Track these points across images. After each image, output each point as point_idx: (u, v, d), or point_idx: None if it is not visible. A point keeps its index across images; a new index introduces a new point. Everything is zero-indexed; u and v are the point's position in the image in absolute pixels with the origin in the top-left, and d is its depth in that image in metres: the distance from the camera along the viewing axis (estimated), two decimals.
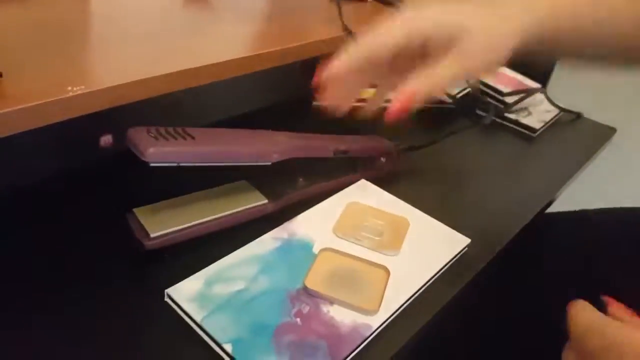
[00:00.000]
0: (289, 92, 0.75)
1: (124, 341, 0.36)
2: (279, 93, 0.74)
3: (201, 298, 0.38)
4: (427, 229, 0.48)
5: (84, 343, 0.36)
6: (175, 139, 0.41)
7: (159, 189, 0.52)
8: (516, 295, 0.61)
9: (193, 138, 0.41)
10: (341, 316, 0.38)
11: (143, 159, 0.38)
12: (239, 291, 0.39)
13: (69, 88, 0.39)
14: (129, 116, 0.57)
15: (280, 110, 0.72)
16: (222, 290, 0.39)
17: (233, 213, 0.46)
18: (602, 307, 0.40)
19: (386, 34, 0.40)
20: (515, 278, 0.61)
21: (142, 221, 0.43)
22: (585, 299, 0.53)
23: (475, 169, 0.63)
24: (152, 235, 0.42)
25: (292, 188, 0.51)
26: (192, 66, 0.47)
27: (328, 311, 0.38)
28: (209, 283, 0.39)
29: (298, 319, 0.37)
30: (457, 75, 0.41)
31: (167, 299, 0.38)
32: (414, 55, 0.41)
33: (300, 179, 0.52)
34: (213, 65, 0.49)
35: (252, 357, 0.34)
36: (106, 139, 0.57)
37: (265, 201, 0.48)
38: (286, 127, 0.67)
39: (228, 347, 0.34)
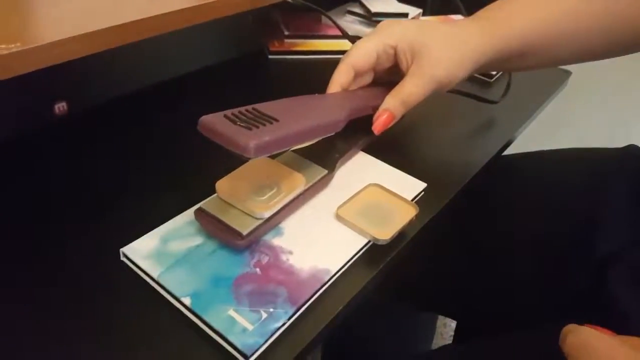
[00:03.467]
0: (244, 46, 0.73)
1: (79, 304, 0.36)
2: (234, 47, 0.72)
3: (157, 255, 0.37)
4: (388, 177, 0.48)
5: (42, 311, 0.35)
6: (262, 124, 0.36)
7: (116, 152, 0.51)
8: (479, 234, 0.62)
9: (277, 120, 0.37)
10: (300, 264, 0.38)
11: (244, 154, 0.34)
12: (197, 246, 0.39)
13: (3, 46, 0.37)
14: (81, 79, 0.55)
15: (237, 65, 0.70)
16: (179, 246, 0.38)
17: (305, 190, 0.43)
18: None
19: (363, 45, 0.48)
20: (477, 217, 0.62)
21: (220, 216, 0.39)
22: (546, 233, 0.55)
23: (430, 117, 0.63)
24: (244, 233, 0.38)
25: (338, 152, 0.48)
26: (136, 18, 0.45)
27: (287, 259, 0.39)
28: (164, 240, 0.39)
29: (257, 269, 0.38)
30: (420, 91, 0.47)
31: (123, 258, 0.38)
32: (392, 66, 0.49)
33: (339, 141, 0.49)
34: (158, 17, 0.47)
35: (211, 307, 0.34)
36: (61, 106, 0.55)
37: (326, 172, 0.45)
38: (244, 83, 0.66)
39: (186, 301, 0.34)
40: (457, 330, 0.75)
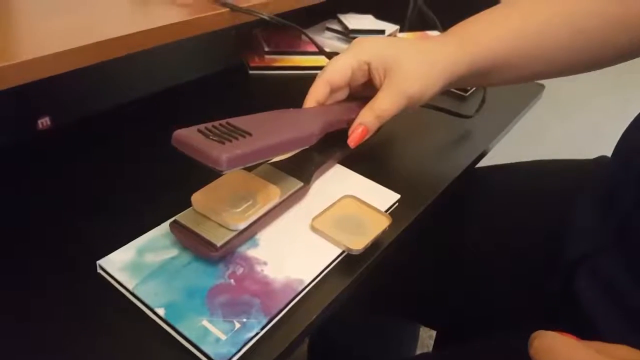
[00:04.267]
0: (224, 62, 0.74)
1: (55, 316, 0.36)
2: (215, 62, 0.73)
3: (133, 267, 0.38)
4: (363, 189, 0.50)
5: (19, 322, 0.36)
6: (234, 137, 0.37)
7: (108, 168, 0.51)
8: (453, 243, 0.64)
9: (250, 134, 0.38)
10: (274, 274, 0.39)
11: (216, 167, 0.34)
12: (172, 258, 0.39)
13: None
14: (63, 95, 0.56)
15: (218, 80, 0.71)
16: (155, 258, 0.39)
17: (281, 202, 0.44)
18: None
19: (338, 61, 0.49)
20: (450, 226, 0.64)
21: (194, 228, 0.39)
22: (518, 239, 0.57)
23: (406, 131, 0.64)
24: (218, 245, 0.39)
25: (314, 165, 0.49)
26: (120, 34, 0.46)
27: (262, 270, 0.39)
28: (140, 252, 0.39)
29: (232, 280, 0.38)
30: (392, 106, 0.48)
31: (99, 271, 0.39)
32: (366, 82, 0.50)
33: (315, 154, 0.50)
34: (142, 33, 0.48)
35: (184, 318, 0.35)
36: (44, 121, 0.55)
37: (302, 184, 0.46)
38: (225, 98, 0.67)
39: (160, 311, 0.35)
40: (437, 338, 0.76)
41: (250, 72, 0.74)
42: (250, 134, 0.38)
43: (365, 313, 0.75)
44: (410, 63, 0.48)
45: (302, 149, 0.45)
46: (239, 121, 0.40)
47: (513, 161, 0.70)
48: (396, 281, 0.66)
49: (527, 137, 0.89)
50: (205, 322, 0.35)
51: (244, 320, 0.35)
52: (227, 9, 0.55)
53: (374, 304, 0.71)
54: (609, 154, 0.55)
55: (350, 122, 0.50)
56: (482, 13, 0.52)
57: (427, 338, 1.17)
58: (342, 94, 0.53)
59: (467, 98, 0.74)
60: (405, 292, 0.68)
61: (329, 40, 0.80)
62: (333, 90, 0.50)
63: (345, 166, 0.53)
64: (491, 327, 0.60)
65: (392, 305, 0.72)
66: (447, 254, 0.63)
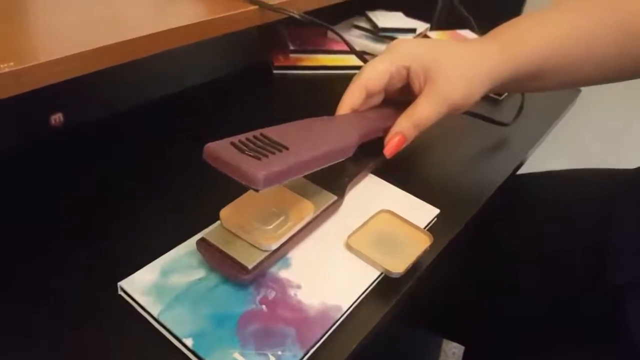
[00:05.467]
0: (247, 60, 0.71)
1: (74, 338, 0.33)
2: (238, 61, 0.70)
3: (157, 290, 0.35)
4: (400, 202, 0.46)
5: (35, 346, 0.33)
6: (271, 152, 0.34)
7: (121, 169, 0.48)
8: (492, 258, 0.60)
9: (287, 148, 0.35)
10: (309, 299, 0.36)
11: (253, 186, 0.32)
12: (199, 280, 0.36)
13: None
14: (80, 91, 0.53)
15: (241, 79, 0.68)
16: (180, 280, 0.36)
17: (314, 218, 0.41)
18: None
19: (376, 65, 0.46)
20: (490, 240, 0.60)
21: (223, 247, 0.37)
22: (557, 256, 0.54)
23: (440, 138, 0.61)
24: (249, 267, 0.36)
25: (347, 176, 0.46)
26: (141, 35, 0.43)
27: (295, 294, 0.36)
28: (164, 273, 0.36)
29: (264, 306, 0.35)
30: (433, 114, 0.45)
31: (120, 292, 0.36)
32: (404, 86, 0.47)
33: (348, 164, 0.46)
34: (164, 32, 0.44)
35: (215, 350, 0.32)
36: (57, 118, 0.53)
37: (335, 197, 0.43)
38: (248, 98, 0.64)
39: (188, 342, 0.32)
40: (465, 355, 0.73)
41: (275, 71, 0.70)
42: (286, 148, 0.35)
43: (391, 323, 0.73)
44: (453, 68, 0.45)
45: (339, 161, 0.41)
46: (273, 132, 0.37)
47: (544, 165, 0.66)
48: (427, 294, 0.63)
49: (558, 141, 0.86)
50: (237, 355, 0.32)
51: (279, 353, 0.32)
52: (255, 7, 0.51)
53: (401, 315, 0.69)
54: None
55: (386, 131, 0.47)
56: (524, 16, 0.49)
57: (451, 356, 1.14)
58: (378, 99, 0.49)
59: (501, 102, 0.70)
60: (432, 304, 0.65)
61: (356, 39, 0.76)
62: (369, 96, 0.47)
63: (379, 176, 0.50)
64: (522, 345, 0.57)
65: (418, 317, 0.69)
66: (484, 267, 0.60)
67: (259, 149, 0.34)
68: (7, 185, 0.45)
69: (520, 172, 0.61)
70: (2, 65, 0.35)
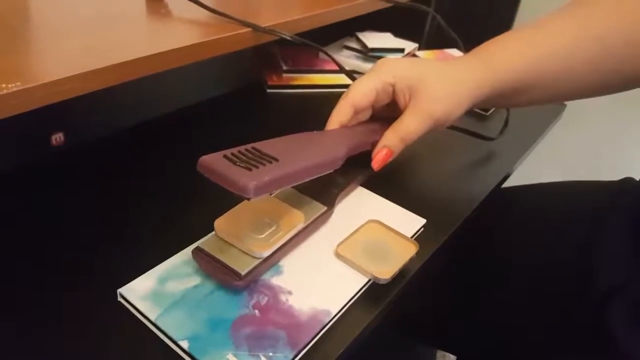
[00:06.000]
0: (241, 80, 0.74)
1: (75, 344, 0.35)
2: (232, 81, 0.73)
3: (155, 296, 0.37)
4: (387, 213, 0.48)
5: (36, 353, 0.34)
6: (261, 163, 0.36)
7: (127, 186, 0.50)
8: (476, 267, 0.62)
9: (277, 159, 0.37)
10: (300, 304, 0.38)
11: (244, 195, 0.34)
12: (195, 287, 0.38)
13: (3, 85, 0.37)
14: (80, 111, 0.55)
15: (235, 98, 0.71)
16: (177, 286, 0.38)
17: (305, 227, 0.42)
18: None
19: (362, 83, 0.48)
20: (474, 249, 0.62)
21: (217, 255, 0.38)
22: (544, 266, 0.55)
23: (428, 152, 0.63)
24: (242, 273, 0.37)
25: (337, 188, 0.48)
26: (139, 56, 0.45)
27: (287, 300, 0.38)
28: (162, 280, 0.38)
29: (256, 311, 0.37)
30: (418, 128, 0.47)
31: (120, 299, 0.37)
32: (390, 102, 0.49)
33: (338, 176, 0.48)
34: (161, 54, 0.47)
35: (209, 352, 0.33)
36: (57, 137, 0.55)
37: (325, 208, 0.45)
38: (243, 117, 0.67)
39: (184, 344, 0.34)
40: None
41: (268, 90, 0.73)
42: (276, 159, 0.37)
43: (382, 331, 0.74)
44: (436, 84, 0.47)
45: (327, 172, 0.43)
46: (264, 146, 0.39)
47: (531, 178, 0.68)
48: (414, 303, 0.64)
49: (543, 154, 0.88)
50: (230, 356, 0.33)
51: (270, 354, 0.34)
52: (249, 29, 0.54)
53: (393, 322, 0.70)
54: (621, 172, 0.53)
55: (373, 144, 0.49)
56: (507, 33, 0.51)
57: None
58: (365, 115, 0.52)
59: (488, 117, 0.72)
60: (422, 314, 0.66)
61: (347, 59, 0.79)
62: (356, 112, 0.49)
63: (369, 189, 0.52)
64: (512, 356, 0.58)
65: (409, 328, 0.70)
66: (471, 278, 0.62)
67: (250, 161, 0.36)
68: (10, 198, 0.47)
69: (508, 184, 0.63)
70: (9, 85, 0.37)
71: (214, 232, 0.40)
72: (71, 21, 0.51)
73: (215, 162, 0.35)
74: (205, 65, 0.64)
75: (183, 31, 0.53)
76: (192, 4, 0.56)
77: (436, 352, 0.88)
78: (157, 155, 0.56)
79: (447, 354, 1.13)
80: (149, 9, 0.57)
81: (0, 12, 0.50)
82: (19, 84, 0.38)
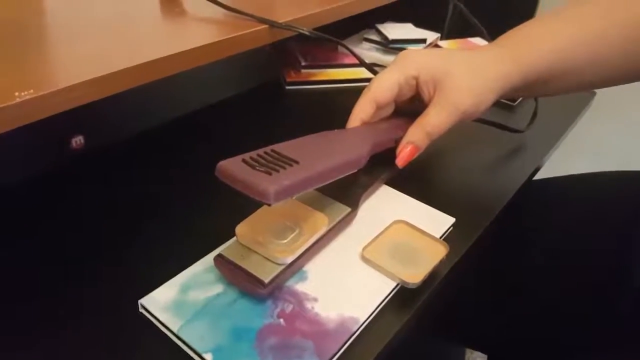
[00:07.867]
0: (260, 77, 0.72)
1: (96, 356, 0.34)
2: (250, 79, 0.71)
3: (176, 306, 0.36)
4: (414, 212, 0.46)
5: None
6: (281, 167, 0.35)
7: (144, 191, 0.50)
8: (511, 262, 0.60)
9: (297, 162, 0.36)
10: (326, 312, 0.36)
11: (264, 201, 0.33)
12: (217, 295, 0.37)
13: (17, 93, 0.37)
14: (100, 114, 0.55)
15: (254, 96, 0.69)
16: (199, 295, 0.37)
17: (329, 231, 0.41)
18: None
19: (384, 78, 0.46)
20: (508, 243, 0.60)
21: (240, 263, 0.37)
22: (583, 257, 0.53)
23: (454, 147, 0.61)
24: (266, 281, 0.36)
25: (360, 187, 0.46)
26: (154, 58, 0.44)
27: (312, 307, 0.37)
28: (183, 289, 0.37)
29: (281, 320, 0.36)
30: (444, 122, 0.45)
31: (141, 310, 0.36)
32: (413, 96, 0.48)
33: (361, 176, 0.46)
34: (177, 55, 0.46)
35: None
36: (77, 140, 0.54)
37: (349, 209, 0.43)
38: (262, 114, 0.65)
39: (208, 357, 0.32)
40: None
41: (287, 87, 0.71)
42: (297, 162, 0.36)
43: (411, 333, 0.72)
44: (462, 76, 0.45)
45: (350, 173, 0.42)
46: (284, 148, 0.37)
47: (559, 170, 0.66)
48: (445, 303, 0.62)
49: (572, 145, 0.85)
50: None
51: None
52: (266, 26, 0.52)
53: (422, 325, 0.68)
54: None
55: (397, 141, 0.47)
56: (532, 21, 0.49)
57: None
58: (388, 110, 0.50)
59: (515, 108, 0.70)
60: (453, 314, 0.64)
61: (367, 52, 0.77)
62: (379, 108, 0.47)
63: (393, 187, 0.50)
64: (548, 354, 0.56)
65: (440, 327, 0.68)
66: (504, 275, 0.59)
67: (269, 165, 0.35)
68: (30, 204, 0.47)
69: (540, 176, 0.61)
70: (22, 93, 0.37)
71: (235, 239, 0.39)
72: (85, 24, 0.50)
73: (233, 167, 0.34)
74: (222, 64, 0.63)
75: (199, 30, 0.52)
76: (205, 2, 0.55)
77: (465, 351, 0.86)
78: (175, 157, 0.55)
79: (477, 353, 1.11)
80: (163, 9, 0.56)
81: (17, 18, 0.50)
82: (31, 91, 0.37)
